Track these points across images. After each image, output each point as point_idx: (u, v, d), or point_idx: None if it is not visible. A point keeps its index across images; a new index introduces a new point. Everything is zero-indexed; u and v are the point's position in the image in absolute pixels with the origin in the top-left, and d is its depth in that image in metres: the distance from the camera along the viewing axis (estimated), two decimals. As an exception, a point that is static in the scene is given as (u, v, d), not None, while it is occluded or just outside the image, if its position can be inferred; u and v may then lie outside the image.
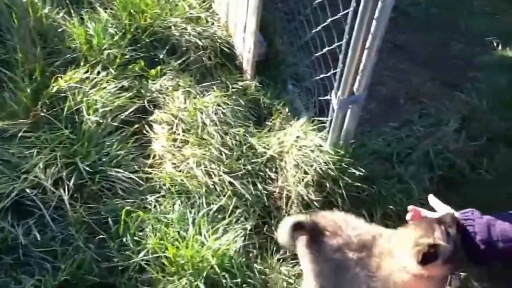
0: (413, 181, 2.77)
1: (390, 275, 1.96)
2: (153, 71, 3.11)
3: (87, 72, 2.98)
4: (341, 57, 2.28)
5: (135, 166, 2.72)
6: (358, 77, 2.27)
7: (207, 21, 3.35)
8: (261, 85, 3.15)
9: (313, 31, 2.79)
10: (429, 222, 1.93)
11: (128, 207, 2.48)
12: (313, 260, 2.14)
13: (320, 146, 2.64)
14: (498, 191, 2.87)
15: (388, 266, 1.97)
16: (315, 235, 2.08)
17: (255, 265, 2.45)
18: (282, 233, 2.10)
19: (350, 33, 2.10)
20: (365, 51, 2.14)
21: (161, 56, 3.19)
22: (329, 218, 2.11)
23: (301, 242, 2.14)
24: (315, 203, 2.58)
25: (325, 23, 2.67)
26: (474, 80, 3.53)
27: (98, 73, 3.00)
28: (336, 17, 2.45)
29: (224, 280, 2.30)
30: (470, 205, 2.72)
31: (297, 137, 2.76)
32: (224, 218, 2.52)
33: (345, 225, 2.07)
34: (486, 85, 3.41)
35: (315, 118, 2.84)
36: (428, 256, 1.83)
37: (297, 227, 2.07)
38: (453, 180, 2.93)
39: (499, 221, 1.92)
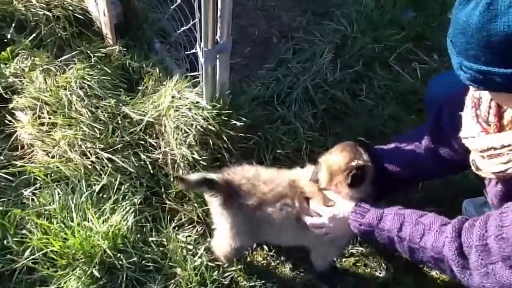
0: (297, 120, 2.75)
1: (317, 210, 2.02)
2: (3, 54, 2.83)
3: None
4: (196, 5, 2.13)
5: (3, 161, 2.55)
6: (219, 25, 2.14)
7: (51, -12, 3.04)
8: (125, 49, 2.93)
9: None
10: (352, 145, 2.01)
11: (2, 207, 2.34)
12: (232, 218, 2.10)
13: (197, 102, 2.53)
14: (380, 113, 2.93)
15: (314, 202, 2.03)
16: (230, 193, 2.03)
17: (150, 238, 2.38)
18: (188, 182, 2.02)
19: (199, -22, 1.96)
20: (219, -4, 2.01)
21: (9, 36, 2.87)
22: (240, 176, 2.08)
23: (216, 202, 2.07)
24: (201, 162, 2.49)
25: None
26: (343, 6, 3.47)
27: None
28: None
29: (119, 262, 2.21)
30: (357, 134, 2.78)
31: (173, 97, 2.62)
32: (109, 198, 2.41)
33: (257, 182, 2.06)
34: (354, 9, 3.37)
35: (188, 74, 2.70)
36: (358, 178, 1.92)
37: (209, 185, 2.00)
38: (337, 112, 2.93)
39: None
